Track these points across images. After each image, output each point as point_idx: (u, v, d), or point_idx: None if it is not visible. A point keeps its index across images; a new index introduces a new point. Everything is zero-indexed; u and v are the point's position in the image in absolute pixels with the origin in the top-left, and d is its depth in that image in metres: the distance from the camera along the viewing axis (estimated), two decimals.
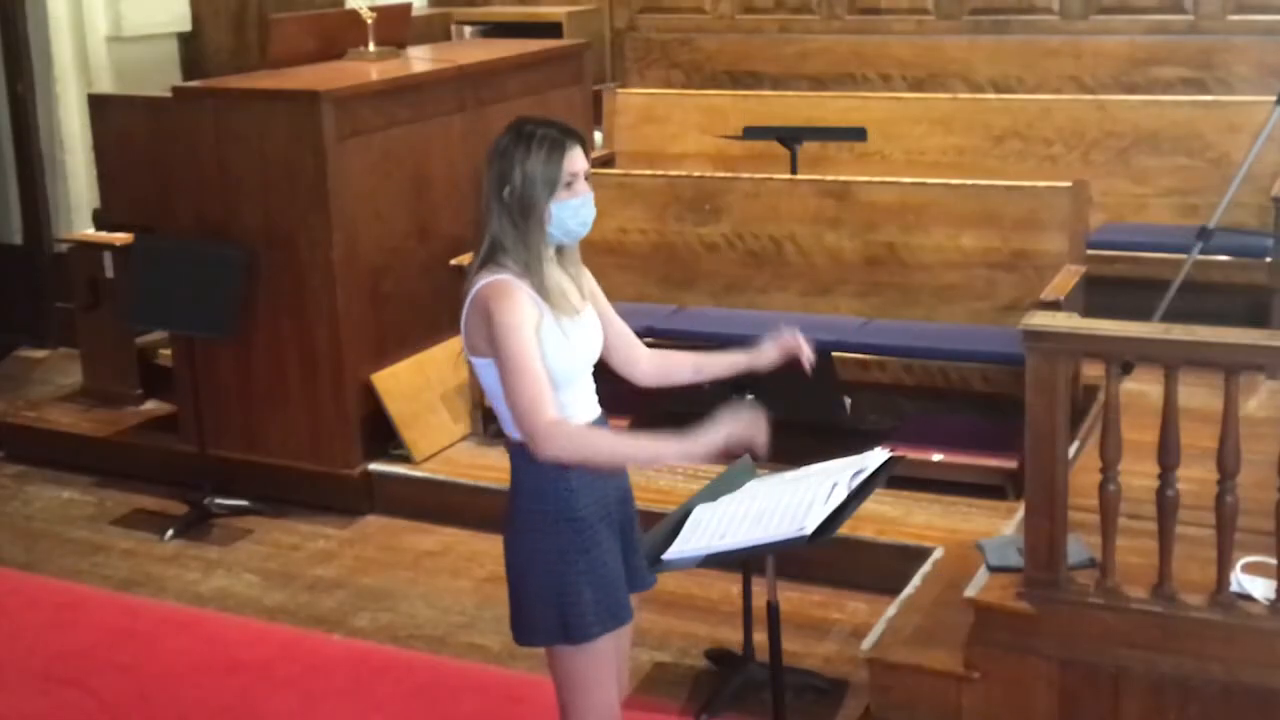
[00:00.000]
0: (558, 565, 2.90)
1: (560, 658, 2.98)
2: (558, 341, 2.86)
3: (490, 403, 2.98)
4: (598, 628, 2.92)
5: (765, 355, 3.16)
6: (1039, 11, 7.50)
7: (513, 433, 2.92)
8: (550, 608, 2.91)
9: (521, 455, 2.91)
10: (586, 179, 2.92)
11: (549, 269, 2.89)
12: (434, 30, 8.44)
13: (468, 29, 8.70)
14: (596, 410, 2.99)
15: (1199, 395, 4.26)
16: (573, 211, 2.88)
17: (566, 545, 2.90)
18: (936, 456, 5.07)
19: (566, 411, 2.87)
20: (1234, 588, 3.50)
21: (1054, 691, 3.66)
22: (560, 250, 2.95)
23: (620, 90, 7.70)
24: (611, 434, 2.94)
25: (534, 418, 2.79)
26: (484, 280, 2.86)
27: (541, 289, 2.86)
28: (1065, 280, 5.12)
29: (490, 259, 2.89)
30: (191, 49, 7.64)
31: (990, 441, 5.08)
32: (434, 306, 5.88)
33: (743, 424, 2.81)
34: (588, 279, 3.05)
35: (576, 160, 2.89)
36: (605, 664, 2.98)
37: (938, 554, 4.51)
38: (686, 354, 3.22)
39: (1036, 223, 5.42)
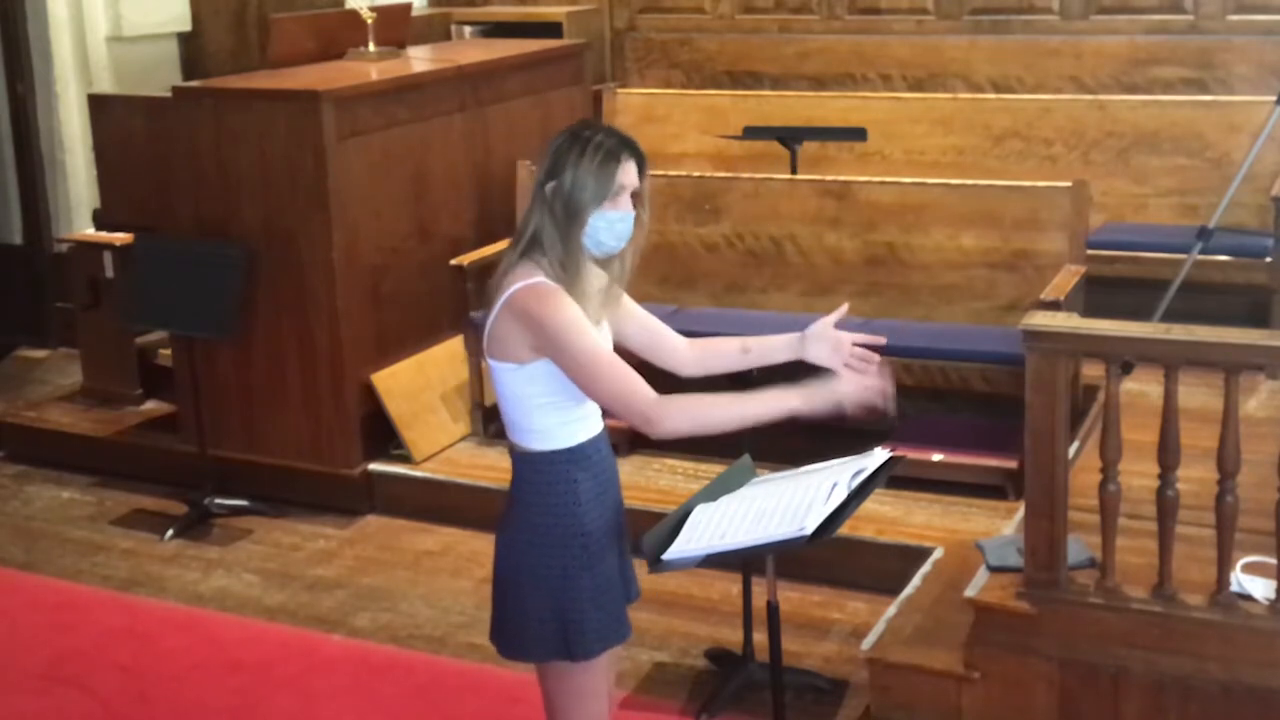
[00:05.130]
0: (560, 583, 2.83)
1: (556, 673, 2.92)
2: None
3: (501, 408, 2.88)
4: (600, 645, 2.87)
5: (814, 349, 2.96)
6: (1039, 11, 7.49)
7: (521, 441, 2.86)
8: (551, 625, 2.84)
9: (528, 466, 2.85)
10: (634, 196, 2.82)
11: (586, 273, 2.80)
12: (434, 30, 8.43)
13: (468, 29, 8.69)
14: (600, 425, 2.91)
15: (1199, 395, 4.27)
16: (608, 224, 2.78)
17: (570, 561, 2.83)
18: (936, 456, 5.07)
19: (579, 425, 2.83)
20: (1234, 588, 3.50)
21: (1054, 691, 3.66)
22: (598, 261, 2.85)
23: (620, 90, 7.70)
24: (720, 398, 2.81)
25: (636, 403, 2.73)
26: (520, 284, 2.76)
27: (575, 292, 2.77)
28: (1065, 280, 5.12)
29: (528, 253, 2.80)
30: (191, 49, 7.63)
31: (990, 441, 5.08)
32: (434, 306, 5.89)
33: (865, 387, 2.83)
34: (615, 292, 2.92)
35: (629, 173, 2.79)
36: (601, 676, 2.95)
37: (938, 554, 4.52)
38: (732, 338, 3.07)
39: (1036, 223, 5.42)
